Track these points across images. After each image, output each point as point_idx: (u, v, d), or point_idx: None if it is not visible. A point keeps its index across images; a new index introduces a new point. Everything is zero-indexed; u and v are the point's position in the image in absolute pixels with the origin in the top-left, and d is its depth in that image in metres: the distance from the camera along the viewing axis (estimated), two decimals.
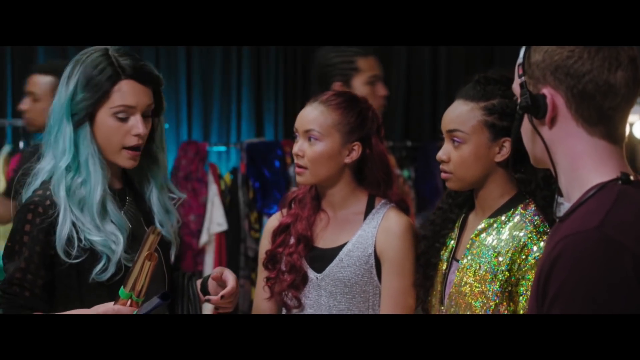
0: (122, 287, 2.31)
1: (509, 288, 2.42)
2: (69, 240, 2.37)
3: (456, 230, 2.63)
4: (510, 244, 2.43)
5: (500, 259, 2.43)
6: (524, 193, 2.50)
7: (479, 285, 2.45)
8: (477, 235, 2.52)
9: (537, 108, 1.71)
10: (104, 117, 2.43)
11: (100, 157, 2.44)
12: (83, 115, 2.42)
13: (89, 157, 2.43)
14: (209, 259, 5.74)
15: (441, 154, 2.54)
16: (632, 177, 1.69)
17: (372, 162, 2.73)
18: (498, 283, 2.42)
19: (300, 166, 2.70)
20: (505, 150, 2.47)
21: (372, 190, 2.75)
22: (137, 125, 2.43)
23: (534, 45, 1.74)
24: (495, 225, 2.50)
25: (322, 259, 2.72)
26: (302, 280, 2.73)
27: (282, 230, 2.81)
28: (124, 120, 2.43)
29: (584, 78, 1.67)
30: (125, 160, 2.47)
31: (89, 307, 2.35)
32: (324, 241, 2.75)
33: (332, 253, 2.70)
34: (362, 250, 2.67)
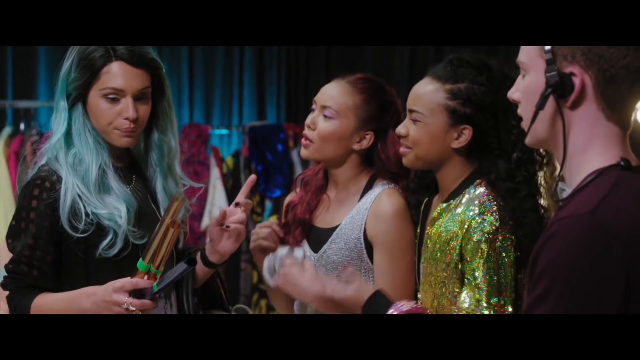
0: (140, 259, 2.31)
1: (460, 275, 2.37)
2: (75, 213, 2.36)
3: (420, 215, 2.59)
4: (459, 228, 2.37)
5: (452, 245, 2.38)
6: (475, 174, 2.45)
7: (439, 275, 2.41)
8: (433, 222, 2.47)
9: (564, 87, 1.67)
10: (95, 98, 2.42)
11: (95, 135, 2.44)
12: (76, 95, 2.42)
13: (81, 134, 2.42)
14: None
15: (400, 128, 2.49)
16: (633, 163, 1.68)
17: (384, 155, 2.66)
18: (452, 269, 2.37)
19: (307, 138, 2.66)
20: (463, 137, 2.42)
21: (376, 172, 2.70)
22: (127, 108, 2.40)
23: None
24: (448, 210, 2.45)
25: (319, 239, 2.69)
26: None
27: (288, 210, 2.80)
28: (115, 102, 2.41)
29: (618, 63, 1.65)
30: (118, 138, 2.44)
31: (96, 284, 2.34)
32: (322, 221, 2.71)
33: (327, 233, 2.67)
34: (351, 231, 2.62)
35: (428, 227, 2.49)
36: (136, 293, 2.28)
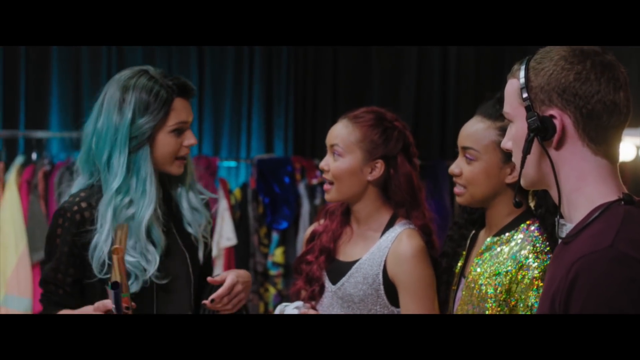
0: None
1: (506, 309, 2.42)
2: (103, 259, 2.51)
3: (466, 247, 2.65)
4: (510, 263, 2.44)
5: (500, 278, 2.44)
6: (528, 213, 2.51)
7: (479, 304, 2.46)
8: (481, 253, 2.52)
9: (545, 129, 1.74)
10: (164, 135, 2.57)
11: (155, 177, 2.58)
12: (145, 138, 2.55)
13: (147, 177, 2.56)
14: (218, 272, 5.75)
15: (453, 168, 2.56)
16: (634, 198, 1.73)
17: (396, 181, 2.74)
18: (496, 302, 2.42)
19: (327, 181, 2.76)
20: (516, 172, 2.46)
21: (396, 210, 2.77)
22: (189, 136, 2.61)
23: (532, 68, 1.77)
24: (497, 244, 2.50)
25: (338, 271, 2.76)
26: (320, 291, 2.78)
27: (312, 238, 2.88)
28: (180, 134, 2.60)
29: (592, 98, 1.72)
30: (177, 168, 2.62)
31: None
32: (343, 254, 2.79)
33: (346, 267, 2.74)
34: (370, 267, 2.69)
35: (475, 258, 2.54)
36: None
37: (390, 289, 2.68)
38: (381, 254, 2.70)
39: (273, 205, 5.91)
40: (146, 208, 2.54)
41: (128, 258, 2.47)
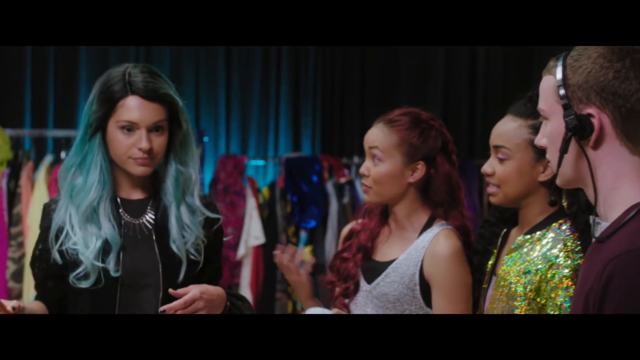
0: None
1: (535, 307, 2.40)
2: (57, 237, 2.56)
3: (498, 246, 2.63)
4: (540, 262, 2.42)
5: (530, 277, 2.42)
6: (560, 212, 2.49)
7: (508, 302, 2.44)
8: (511, 252, 2.51)
9: (583, 128, 1.72)
10: (112, 129, 2.54)
11: (105, 167, 2.57)
12: (96, 126, 2.54)
13: (91, 165, 2.55)
14: (246, 272, 5.76)
15: (486, 167, 2.55)
16: None
17: (437, 181, 2.72)
18: (526, 301, 2.41)
19: (367, 186, 2.74)
20: (549, 170, 2.45)
21: (434, 210, 2.76)
22: (140, 140, 2.52)
23: (570, 66, 1.75)
24: (529, 242, 2.49)
25: (374, 270, 2.74)
26: (354, 289, 2.77)
27: (349, 237, 2.87)
28: (130, 133, 2.53)
29: (632, 97, 1.70)
30: (133, 167, 2.56)
31: (74, 312, 2.57)
32: (380, 254, 2.77)
33: (382, 266, 2.72)
34: (407, 268, 2.68)
35: (505, 256, 2.52)
36: None
37: (426, 290, 2.67)
38: (418, 254, 2.68)
39: (301, 204, 5.90)
40: (88, 190, 2.54)
41: (72, 239, 2.53)
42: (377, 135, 2.73)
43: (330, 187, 5.94)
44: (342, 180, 5.93)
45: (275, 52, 6.54)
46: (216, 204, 2.76)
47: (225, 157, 5.99)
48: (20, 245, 5.20)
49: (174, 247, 2.56)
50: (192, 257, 2.59)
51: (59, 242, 2.55)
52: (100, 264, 2.51)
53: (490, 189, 2.56)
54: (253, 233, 5.73)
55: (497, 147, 2.52)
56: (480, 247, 2.70)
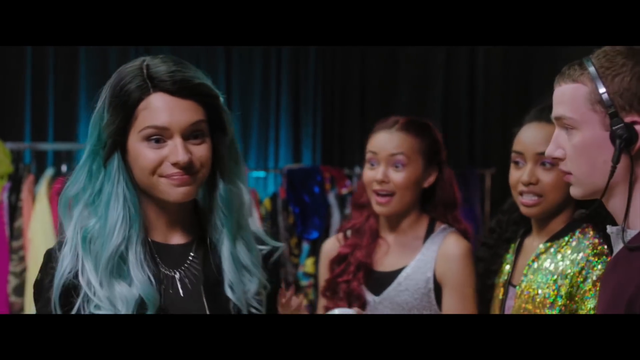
0: None
1: (568, 313, 2.39)
2: (68, 299, 1.87)
3: (512, 255, 2.61)
4: (570, 268, 2.41)
5: (559, 283, 2.41)
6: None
7: (538, 312, 2.43)
8: (535, 259, 2.49)
9: (631, 137, 1.71)
10: (134, 143, 1.87)
11: (132, 195, 1.89)
12: (111, 144, 1.88)
13: (113, 194, 1.87)
14: None
15: (528, 177, 2.48)
16: None
17: (444, 185, 2.74)
18: (557, 309, 2.40)
19: (385, 194, 2.70)
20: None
21: (433, 215, 2.76)
22: (175, 151, 1.85)
23: (603, 74, 1.73)
24: (553, 249, 2.48)
25: (381, 282, 2.73)
26: (361, 306, 2.74)
27: (341, 260, 2.83)
28: (159, 144, 1.87)
29: None
30: (168, 189, 1.87)
31: None
32: (383, 265, 2.76)
33: (390, 276, 2.71)
34: (421, 273, 2.67)
35: (527, 266, 2.50)
36: None
37: (438, 293, 2.67)
38: (430, 258, 2.68)
39: (303, 215, 5.88)
40: (109, 235, 1.85)
41: (90, 307, 1.85)
42: (399, 141, 2.72)
43: (332, 198, 5.91)
44: (344, 191, 5.91)
45: (274, 62, 6.51)
46: None
47: None
48: (22, 259, 5.17)
49: (231, 301, 1.93)
50: (253, 310, 1.96)
51: (71, 306, 1.86)
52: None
53: (529, 200, 2.50)
54: None
55: (542, 154, 2.44)
56: (486, 255, 2.69)
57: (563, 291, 2.40)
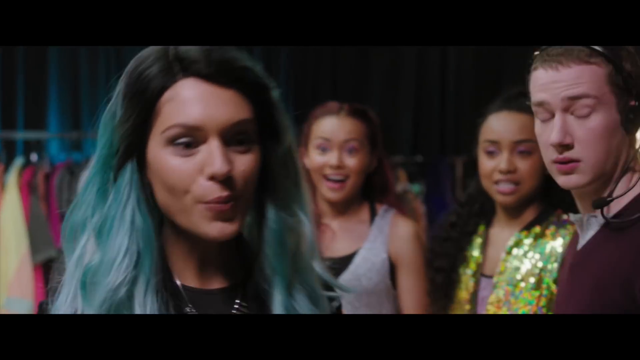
0: None
1: (544, 299, 2.40)
2: None
3: (479, 245, 2.61)
4: (550, 255, 2.42)
5: (542, 272, 2.41)
6: (550, 205, 2.50)
7: (522, 301, 2.43)
8: (512, 248, 2.49)
9: None
10: (156, 150, 1.35)
11: (150, 223, 1.36)
12: (125, 148, 1.35)
13: (115, 219, 1.35)
14: None
15: (506, 165, 2.48)
16: None
17: (386, 169, 2.79)
18: (543, 299, 2.41)
19: (338, 179, 2.71)
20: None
21: (373, 197, 2.80)
22: (211, 160, 1.31)
23: (623, 57, 1.73)
24: (530, 237, 2.48)
25: (333, 268, 2.73)
26: None
27: None
28: (190, 150, 1.34)
29: None
30: (203, 223, 1.34)
31: None
32: (331, 251, 2.75)
33: (343, 262, 2.71)
34: (375, 255, 2.70)
35: (503, 257, 2.48)
36: None
37: (392, 273, 2.71)
38: (382, 241, 2.70)
39: None
40: (102, 279, 1.33)
41: None
42: (350, 127, 2.72)
43: None
44: None
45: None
46: None
47: None
48: None
49: None
50: None
51: None
52: None
53: (506, 188, 2.49)
54: None
55: (520, 142, 2.45)
56: (451, 250, 2.68)
57: (547, 279, 2.40)
